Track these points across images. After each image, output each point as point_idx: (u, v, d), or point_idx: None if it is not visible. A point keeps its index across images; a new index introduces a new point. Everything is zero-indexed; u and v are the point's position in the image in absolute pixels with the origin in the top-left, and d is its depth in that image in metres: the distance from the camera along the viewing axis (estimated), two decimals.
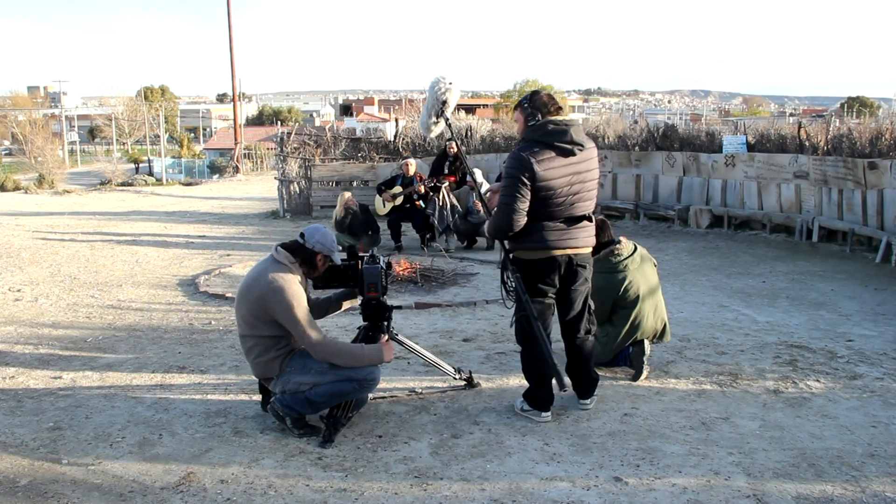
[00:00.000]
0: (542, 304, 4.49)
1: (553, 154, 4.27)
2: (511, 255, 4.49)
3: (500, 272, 4.64)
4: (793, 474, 3.86)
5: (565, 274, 4.45)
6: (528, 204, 4.25)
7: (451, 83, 4.78)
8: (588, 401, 4.75)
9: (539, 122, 4.35)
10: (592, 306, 4.76)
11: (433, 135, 5.00)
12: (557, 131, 4.30)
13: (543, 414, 4.55)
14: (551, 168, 4.25)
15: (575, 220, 4.40)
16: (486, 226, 4.57)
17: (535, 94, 4.49)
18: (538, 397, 4.57)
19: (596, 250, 5.42)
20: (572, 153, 4.31)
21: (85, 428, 4.43)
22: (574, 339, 4.70)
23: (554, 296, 4.53)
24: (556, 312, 4.65)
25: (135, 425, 4.47)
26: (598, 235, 5.42)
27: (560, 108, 4.46)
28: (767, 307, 7.55)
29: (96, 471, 3.88)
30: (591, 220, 4.50)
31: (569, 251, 4.40)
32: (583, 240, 4.46)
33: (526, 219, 4.29)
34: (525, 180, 4.22)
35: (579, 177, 4.34)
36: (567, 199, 4.32)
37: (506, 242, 4.51)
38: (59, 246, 11.41)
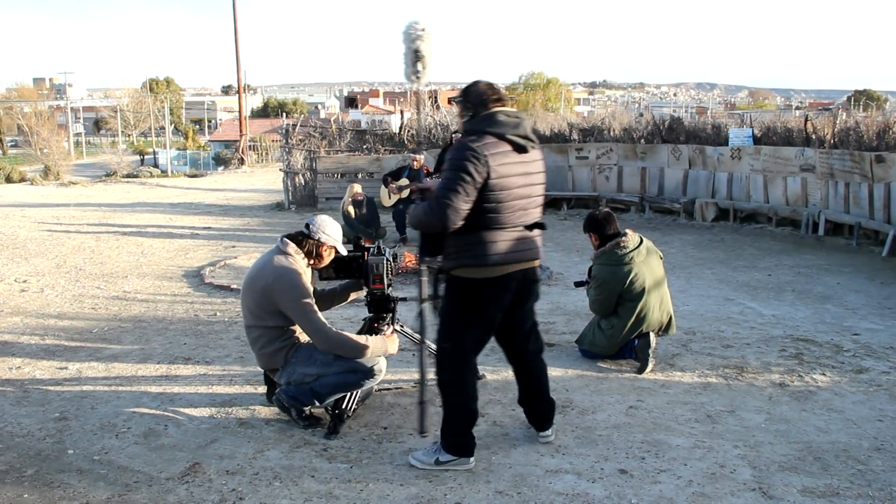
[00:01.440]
0: (484, 334, 3.84)
1: (508, 148, 3.62)
2: (449, 274, 3.77)
3: (433, 291, 3.96)
4: (798, 468, 3.85)
5: (518, 293, 3.80)
6: (470, 205, 3.54)
7: (423, 29, 4.03)
8: (549, 432, 4.14)
9: (485, 112, 3.68)
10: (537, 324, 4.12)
11: (420, 85, 4.16)
12: (511, 123, 3.67)
13: (471, 460, 3.84)
14: (506, 164, 3.59)
15: (529, 229, 3.76)
16: (410, 218, 3.77)
17: (470, 85, 3.80)
18: (462, 443, 3.84)
19: (602, 243, 5.41)
20: (525, 149, 3.69)
21: (91, 418, 4.44)
22: (525, 363, 4.07)
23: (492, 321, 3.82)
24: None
25: (140, 416, 4.48)
26: (603, 228, 5.42)
27: (502, 99, 3.75)
28: (773, 300, 7.54)
29: (102, 461, 3.89)
30: (543, 228, 3.86)
31: (524, 265, 3.75)
32: (537, 251, 3.82)
33: (462, 221, 3.56)
34: (475, 176, 3.52)
35: (532, 178, 3.72)
36: (521, 202, 3.67)
37: (439, 258, 3.81)
38: (64, 237, 11.43)
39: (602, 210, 5.69)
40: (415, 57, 4.02)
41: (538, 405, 4.11)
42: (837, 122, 12.64)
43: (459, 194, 3.51)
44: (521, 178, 3.64)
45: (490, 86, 3.77)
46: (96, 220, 13.62)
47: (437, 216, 3.56)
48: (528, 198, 3.70)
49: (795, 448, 4.08)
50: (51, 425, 4.33)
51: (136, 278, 8.46)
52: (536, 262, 3.85)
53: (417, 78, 4.05)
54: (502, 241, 3.64)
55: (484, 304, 3.72)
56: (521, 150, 3.66)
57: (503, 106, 3.71)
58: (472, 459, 3.83)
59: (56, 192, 19.58)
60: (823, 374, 5.25)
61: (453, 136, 12.79)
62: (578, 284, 5.94)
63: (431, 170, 11.88)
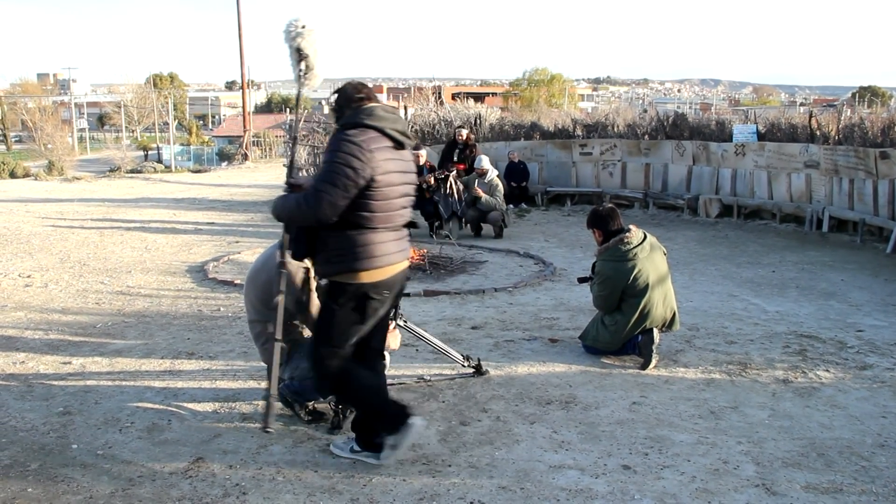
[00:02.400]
0: (355, 339, 3.68)
1: (388, 144, 3.48)
2: (331, 280, 3.59)
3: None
4: (802, 464, 3.85)
5: (395, 294, 3.68)
6: (348, 201, 3.36)
7: (303, 26, 3.84)
8: (385, 453, 3.78)
9: (365, 107, 3.52)
10: None
11: (309, 87, 3.95)
12: (389, 117, 3.51)
13: (382, 455, 3.73)
14: (388, 160, 3.44)
15: (403, 228, 3.65)
16: (275, 206, 3.58)
17: (340, 89, 3.66)
18: (394, 414, 3.73)
19: (605, 239, 5.40)
20: (403, 146, 3.56)
21: (94, 413, 4.44)
22: (368, 359, 3.88)
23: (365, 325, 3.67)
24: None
25: (144, 411, 4.49)
26: (607, 224, 5.41)
27: (370, 98, 3.60)
28: (777, 297, 7.53)
29: (106, 455, 3.89)
30: (416, 227, 3.81)
31: (403, 265, 3.66)
32: (409, 251, 3.74)
33: (336, 218, 3.39)
34: (359, 171, 3.34)
35: (408, 176, 3.60)
36: (401, 200, 3.54)
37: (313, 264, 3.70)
38: (68, 232, 11.44)
39: (606, 206, 5.68)
40: (297, 56, 3.85)
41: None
42: (842, 118, 12.59)
43: (338, 189, 3.33)
44: (400, 175, 3.53)
45: (359, 85, 3.65)
46: (100, 215, 13.63)
47: (311, 209, 3.37)
48: (405, 196, 3.59)
49: (799, 444, 4.07)
50: (55, 420, 4.34)
51: (139, 273, 8.47)
52: (408, 262, 3.75)
53: (303, 78, 3.87)
54: (385, 242, 3.50)
55: (373, 309, 3.57)
56: (399, 146, 3.52)
57: (374, 102, 3.57)
58: (412, 418, 3.69)
59: (60, 188, 19.61)
60: (827, 371, 5.24)
61: (456, 131, 12.82)
62: (582, 280, 5.95)
63: (434, 165, 11.89)
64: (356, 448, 3.83)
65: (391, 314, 3.91)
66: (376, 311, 3.60)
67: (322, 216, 3.37)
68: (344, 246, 3.46)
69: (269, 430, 3.68)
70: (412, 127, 16.81)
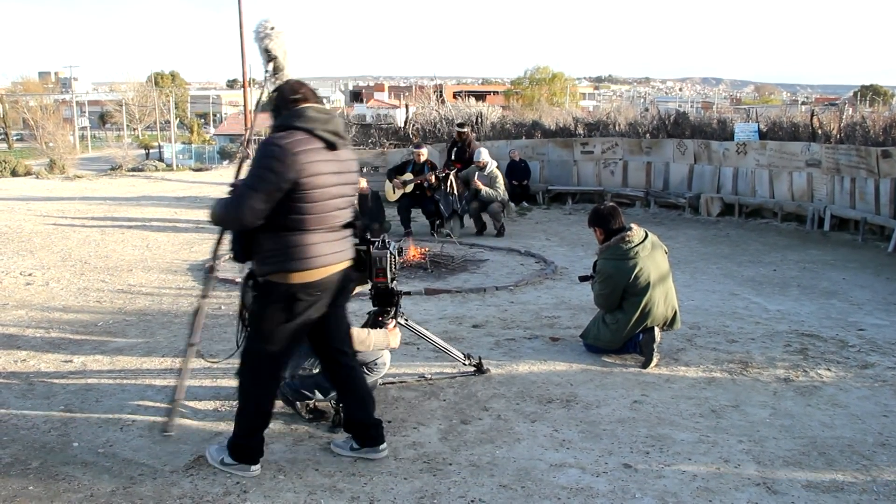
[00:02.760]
0: (297, 339, 3.69)
1: (319, 145, 3.45)
2: (264, 279, 3.58)
3: (241, 296, 3.83)
4: (803, 462, 3.85)
5: (335, 295, 3.67)
6: (270, 204, 3.36)
7: (272, 28, 3.92)
8: (383, 446, 3.86)
9: (294, 108, 3.52)
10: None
11: (277, 79, 3.96)
12: (321, 118, 3.49)
13: (253, 468, 3.68)
14: (317, 162, 3.41)
15: (342, 229, 3.65)
16: (211, 209, 3.58)
17: (277, 88, 3.66)
18: (249, 447, 3.68)
19: (607, 237, 5.40)
20: (336, 146, 3.53)
21: (95, 411, 4.45)
22: (342, 368, 3.86)
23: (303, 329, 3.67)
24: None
25: (145, 409, 4.49)
26: (609, 222, 5.41)
27: (306, 97, 3.58)
28: (778, 296, 7.52)
29: (107, 454, 3.89)
30: (355, 228, 3.78)
31: (341, 266, 3.64)
32: (350, 251, 3.74)
33: (261, 221, 3.40)
34: (281, 174, 3.33)
35: (344, 177, 3.59)
36: (335, 202, 3.52)
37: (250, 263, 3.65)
38: (69, 231, 11.44)
39: (607, 205, 5.68)
40: (266, 57, 3.93)
41: (367, 417, 3.86)
42: (844, 117, 12.59)
43: (259, 192, 3.33)
44: (333, 176, 3.50)
45: (296, 85, 3.61)
46: (101, 213, 13.63)
47: (233, 213, 3.41)
48: (341, 197, 3.56)
49: (800, 443, 4.07)
50: (56, 418, 4.34)
51: (141, 272, 8.47)
52: (350, 262, 3.73)
53: (273, 79, 3.89)
54: (320, 242, 3.50)
55: (302, 310, 3.54)
56: (331, 147, 3.50)
57: (309, 103, 3.55)
58: (254, 467, 3.67)
59: (61, 186, 19.60)
60: (828, 370, 5.23)
61: (457, 130, 12.81)
62: (583, 279, 5.94)
63: (436, 164, 11.89)
64: (356, 446, 3.85)
65: (339, 318, 3.82)
66: (306, 312, 3.56)
67: (244, 220, 3.39)
68: (276, 247, 3.47)
69: (168, 433, 3.78)
70: (414, 125, 16.81)
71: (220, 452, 3.74)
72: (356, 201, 3.72)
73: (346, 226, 3.66)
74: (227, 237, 3.72)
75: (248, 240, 3.54)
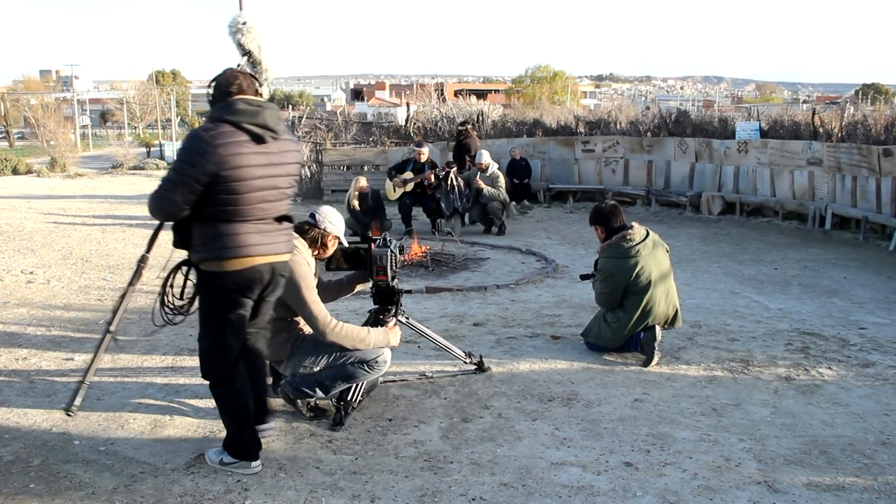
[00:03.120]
0: (239, 330, 3.69)
1: (245, 138, 3.44)
2: (198, 269, 3.66)
3: (164, 282, 3.93)
4: (804, 461, 3.84)
5: (266, 286, 3.68)
6: (193, 197, 3.40)
7: (244, 23, 4.02)
8: (255, 463, 3.72)
9: (228, 101, 3.52)
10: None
11: (266, 82, 4.13)
12: (249, 111, 3.47)
13: (253, 464, 3.68)
14: (240, 154, 3.41)
15: (276, 222, 3.65)
16: (147, 200, 3.63)
17: (222, 72, 3.65)
18: (243, 442, 3.70)
19: (608, 236, 5.39)
20: (263, 139, 3.50)
21: (96, 409, 4.45)
22: (247, 352, 3.85)
23: (241, 321, 3.69)
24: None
25: (146, 407, 4.49)
26: (610, 221, 5.40)
27: (243, 88, 3.57)
28: (779, 294, 7.52)
29: (108, 452, 3.90)
30: (291, 221, 3.77)
31: (272, 258, 3.62)
32: (285, 245, 3.71)
33: (184, 212, 3.47)
34: (198, 167, 3.36)
35: (276, 169, 3.56)
36: (263, 194, 3.51)
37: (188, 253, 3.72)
38: (70, 229, 11.45)
39: (608, 203, 5.67)
40: (241, 51, 4.04)
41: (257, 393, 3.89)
42: (845, 115, 12.59)
43: (177, 186, 3.39)
44: (261, 168, 3.48)
45: (233, 74, 3.61)
46: (102, 211, 13.64)
47: (157, 205, 3.49)
48: (271, 189, 3.55)
49: (801, 442, 4.07)
50: (57, 416, 4.34)
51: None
52: (285, 256, 3.73)
53: (252, 73, 3.92)
54: (245, 233, 3.50)
55: (233, 298, 3.59)
56: (258, 139, 3.48)
57: (244, 95, 3.55)
58: (254, 463, 3.69)
59: (62, 184, 19.62)
60: (829, 368, 5.23)
61: (460, 128, 12.82)
62: (584, 277, 5.94)
63: (436, 163, 11.90)
64: (227, 459, 3.71)
65: (264, 308, 3.84)
66: (237, 302, 3.60)
67: (166, 209, 3.48)
68: (206, 236, 3.52)
69: (70, 412, 3.82)
70: (415, 124, 16.80)
71: (219, 454, 3.74)
72: (291, 192, 3.73)
73: (282, 219, 3.66)
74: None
75: (186, 228, 3.60)
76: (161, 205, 3.47)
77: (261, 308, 3.80)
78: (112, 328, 3.91)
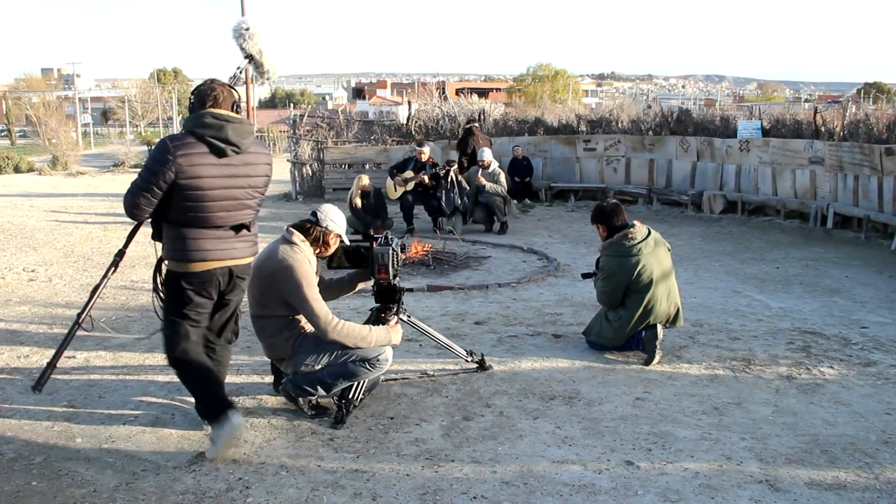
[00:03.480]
0: (196, 323, 3.92)
1: (205, 150, 3.66)
2: (165, 264, 3.93)
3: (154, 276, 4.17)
4: (805, 460, 3.84)
5: (224, 287, 3.92)
6: (155, 201, 3.66)
7: (246, 28, 4.27)
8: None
9: (198, 112, 3.74)
10: (238, 316, 4.23)
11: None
12: (214, 125, 3.68)
13: (233, 416, 3.79)
14: (198, 166, 3.63)
15: (234, 230, 3.85)
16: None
17: (202, 83, 3.87)
18: (213, 401, 3.87)
19: (609, 234, 5.39)
20: (225, 153, 3.70)
21: (98, 407, 4.45)
22: (211, 349, 4.12)
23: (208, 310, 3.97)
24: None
25: (148, 405, 4.50)
26: (611, 219, 5.40)
27: (217, 103, 3.78)
28: (781, 293, 7.52)
29: (109, 449, 3.90)
30: (249, 230, 3.95)
31: (229, 262, 3.85)
32: (242, 250, 3.91)
33: (146, 213, 3.73)
34: (159, 174, 3.60)
35: (236, 181, 3.76)
36: (221, 203, 3.73)
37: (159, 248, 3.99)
38: (72, 227, 11.46)
39: (610, 201, 5.67)
40: (244, 55, 4.31)
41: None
42: (847, 114, 12.58)
43: (141, 189, 3.64)
44: (219, 180, 3.70)
45: (210, 87, 3.80)
46: (104, 209, 13.65)
47: (125, 205, 3.74)
48: (229, 200, 3.77)
49: (802, 441, 4.07)
50: (59, 413, 4.35)
51: (143, 268, 8.47)
52: (243, 260, 3.95)
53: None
54: (203, 238, 3.75)
55: (189, 297, 3.84)
56: (219, 153, 3.69)
57: (223, 108, 3.77)
58: (233, 416, 3.79)
59: (64, 182, 19.64)
60: (831, 367, 5.23)
61: (465, 127, 12.82)
62: (586, 276, 5.94)
63: (437, 161, 11.90)
64: (211, 428, 3.89)
65: (225, 307, 4.07)
66: (193, 301, 3.85)
67: (132, 211, 3.73)
68: (169, 236, 3.82)
69: (38, 390, 4.03)
70: (416, 122, 16.80)
71: (203, 426, 4.02)
72: (253, 203, 3.95)
73: (240, 227, 3.87)
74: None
75: (159, 225, 3.90)
76: (127, 206, 3.72)
77: (222, 306, 4.04)
78: (81, 319, 4.10)
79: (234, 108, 3.84)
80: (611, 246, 5.37)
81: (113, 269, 4.18)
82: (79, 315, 4.12)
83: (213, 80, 3.88)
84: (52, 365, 4.09)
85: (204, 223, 3.74)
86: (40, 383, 4.03)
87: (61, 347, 4.12)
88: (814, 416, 4.41)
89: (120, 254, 4.18)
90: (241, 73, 4.49)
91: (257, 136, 4.03)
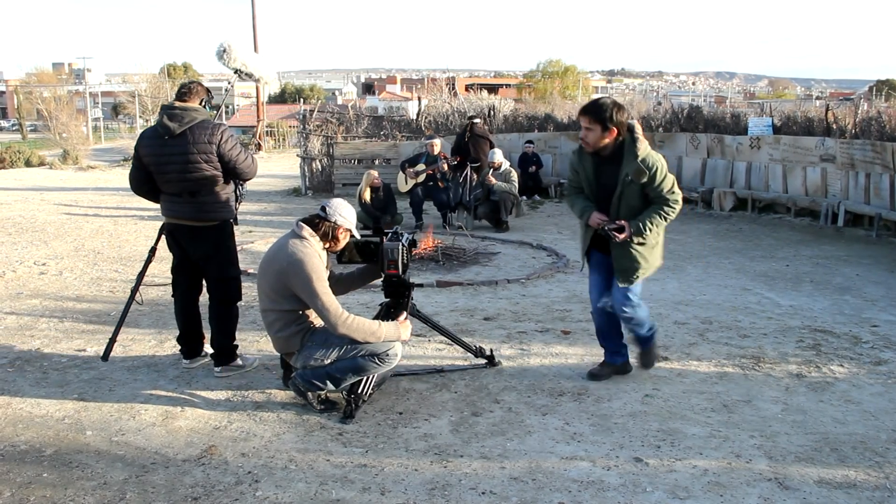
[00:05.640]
0: (175, 263, 5.08)
1: (156, 134, 4.71)
2: None
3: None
4: (815, 458, 3.83)
5: (183, 241, 4.92)
6: (140, 174, 4.85)
7: (223, 50, 5.26)
8: (218, 369, 4.92)
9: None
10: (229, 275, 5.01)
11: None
12: (161, 114, 4.73)
13: (185, 361, 5.07)
14: (148, 146, 4.74)
15: (178, 196, 4.78)
16: None
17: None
18: (180, 345, 5.11)
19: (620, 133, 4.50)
20: (163, 136, 4.67)
21: (109, 400, 4.47)
22: (210, 306, 5.03)
23: (177, 261, 5.07)
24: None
25: (157, 398, 4.51)
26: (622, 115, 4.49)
27: (192, 95, 4.78)
28: (791, 291, 7.49)
29: (119, 442, 3.92)
30: (193, 196, 4.76)
31: (177, 221, 4.87)
32: (191, 212, 4.79)
33: (141, 186, 4.91)
34: (136, 152, 4.85)
35: (171, 158, 4.68)
36: (166, 176, 4.74)
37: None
38: (83, 221, 11.51)
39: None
40: (232, 71, 5.35)
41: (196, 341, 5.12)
42: (859, 112, 12.51)
43: (132, 166, 4.98)
44: (159, 157, 4.72)
45: (182, 85, 4.88)
46: (114, 203, 13.70)
47: (255, 169, 4.99)
48: (168, 173, 4.73)
49: (812, 439, 4.05)
50: (69, 406, 4.37)
51: (153, 262, 8.49)
52: (189, 222, 4.84)
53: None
54: (163, 201, 4.92)
55: (167, 241, 5.05)
56: (160, 136, 4.69)
57: (180, 100, 4.76)
58: (185, 360, 5.07)
59: (74, 177, 19.69)
60: (841, 366, 5.21)
61: (471, 121, 12.79)
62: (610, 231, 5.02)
63: (448, 156, 11.88)
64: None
65: (197, 264, 4.97)
66: (170, 244, 5.03)
67: (131, 185, 5.00)
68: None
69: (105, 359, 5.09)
70: (426, 118, 16.79)
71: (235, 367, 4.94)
72: (191, 176, 4.71)
73: (185, 193, 4.75)
74: None
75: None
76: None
77: (192, 263, 4.99)
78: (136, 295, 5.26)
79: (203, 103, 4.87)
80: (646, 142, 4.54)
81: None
82: (133, 290, 5.25)
83: (195, 81, 4.95)
84: (113, 339, 5.13)
85: (162, 189, 4.88)
86: (108, 353, 5.09)
87: (119, 323, 5.17)
88: (824, 414, 4.39)
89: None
90: (231, 86, 5.89)
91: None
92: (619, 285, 4.67)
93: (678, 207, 4.57)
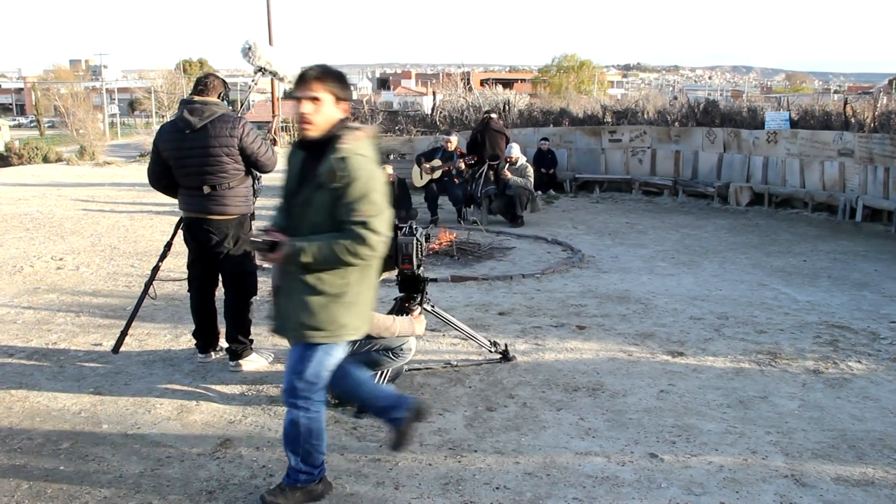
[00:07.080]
0: (191, 259, 5.07)
1: (176, 128, 4.73)
2: None
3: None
4: (832, 455, 3.80)
5: (200, 237, 4.88)
6: (158, 168, 4.86)
7: (248, 48, 5.31)
8: (233, 363, 4.94)
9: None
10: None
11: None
12: (181, 109, 4.75)
13: (200, 355, 5.09)
14: (167, 140, 4.77)
15: (198, 189, 4.77)
16: None
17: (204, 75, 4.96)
18: (196, 339, 5.12)
19: None
20: (183, 130, 4.69)
21: (124, 394, 4.50)
22: (226, 301, 5.00)
23: (193, 256, 5.05)
24: None
25: (172, 392, 4.53)
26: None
27: (210, 89, 4.80)
28: (808, 286, 7.43)
29: (135, 436, 3.94)
30: (214, 190, 4.76)
31: (194, 215, 4.85)
32: (212, 207, 4.78)
33: (160, 180, 4.91)
34: (155, 146, 4.86)
35: (191, 152, 4.69)
36: (185, 170, 4.74)
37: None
38: (99, 216, 11.57)
39: None
40: (255, 69, 5.39)
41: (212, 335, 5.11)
42: (878, 105, 12.37)
43: (151, 160, 4.97)
44: (179, 151, 4.73)
45: (199, 80, 4.88)
46: (130, 199, 13.76)
47: (276, 162, 5.04)
48: (187, 167, 4.74)
49: (829, 436, 4.02)
50: (85, 400, 4.40)
51: (169, 257, 8.52)
52: (206, 216, 4.80)
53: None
54: (181, 196, 4.89)
55: (184, 235, 5.05)
56: (181, 130, 4.69)
57: (199, 94, 4.77)
58: (200, 355, 5.09)
59: (91, 172, 19.80)
60: (859, 362, 5.16)
61: (488, 116, 12.76)
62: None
63: (464, 152, 11.86)
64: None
65: (213, 261, 4.95)
66: (187, 239, 5.01)
67: (149, 178, 5.02)
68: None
69: (116, 352, 5.11)
70: (441, 113, 16.77)
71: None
72: (210, 169, 4.72)
73: (204, 187, 4.74)
74: None
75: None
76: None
77: (209, 260, 4.96)
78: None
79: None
80: None
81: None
82: (146, 284, 5.28)
83: (211, 74, 4.97)
84: (124, 332, 5.13)
85: (180, 183, 4.87)
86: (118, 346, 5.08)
87: (132, 317, 5.19)
88: (841, 410, 4.36)
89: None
90: (255, 83, 5.85)
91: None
92: (293, 352, 3.26)
93: (369, 252, 3.03)
